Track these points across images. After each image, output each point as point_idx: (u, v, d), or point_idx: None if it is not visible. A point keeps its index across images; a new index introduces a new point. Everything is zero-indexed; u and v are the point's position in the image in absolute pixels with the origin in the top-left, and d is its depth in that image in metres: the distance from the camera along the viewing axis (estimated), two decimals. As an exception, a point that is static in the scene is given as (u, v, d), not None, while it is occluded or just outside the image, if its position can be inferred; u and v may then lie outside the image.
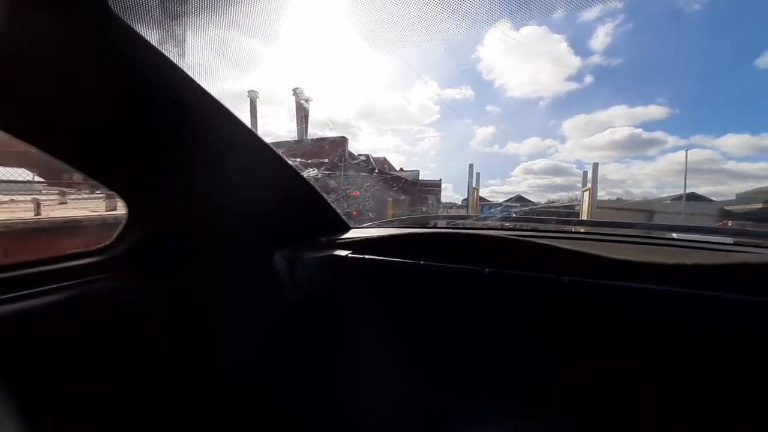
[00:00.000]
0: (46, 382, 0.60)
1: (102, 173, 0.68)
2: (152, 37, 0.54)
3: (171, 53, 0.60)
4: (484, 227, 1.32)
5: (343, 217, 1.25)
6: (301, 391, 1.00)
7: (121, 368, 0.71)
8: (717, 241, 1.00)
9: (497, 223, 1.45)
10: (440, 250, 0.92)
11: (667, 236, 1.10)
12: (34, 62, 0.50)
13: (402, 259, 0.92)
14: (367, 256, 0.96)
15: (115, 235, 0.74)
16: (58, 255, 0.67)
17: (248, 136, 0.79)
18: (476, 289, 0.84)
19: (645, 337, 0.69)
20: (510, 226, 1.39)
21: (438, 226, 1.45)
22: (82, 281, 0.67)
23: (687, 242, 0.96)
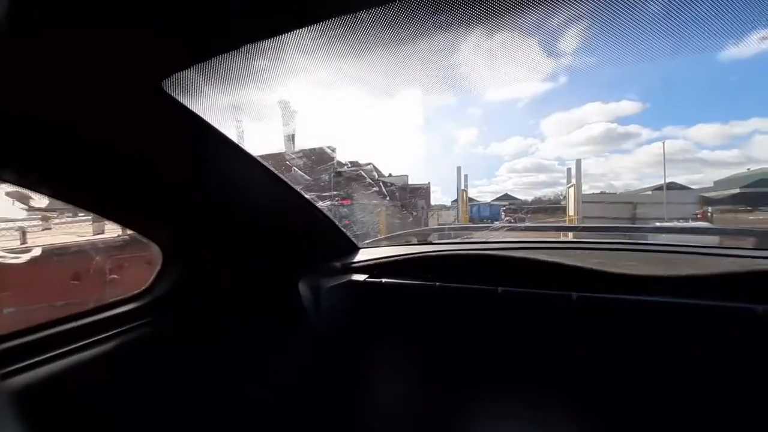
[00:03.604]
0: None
1: (142, 227, 0.74)
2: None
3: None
4: (488, 240, 1.37)
5: (351, 237, 1.28)
6: (329, 415, 1.02)
7: (168, 412, 0.73)
8: (703, 243, 1.08)
9: (500, 234, 1.49)
10: (453, 270, 0.96)
11: (658, 241, 1.17)
12: (88, 127, 0.53)
13: (417, 281, 0.96)
14: (383, 280, 0.99)
15: (150, 280, 0.77)
16: (100, 305, 0.70)
17: (267, 176, 0.82)
18: (490, 307, 0.88)
19: (645, 345, 0.75)
20: (512, 238, 1.43)
21: (441, 241, 1.49)
22: (125, 329, 0.70)
23: (677, 246, 1.03)
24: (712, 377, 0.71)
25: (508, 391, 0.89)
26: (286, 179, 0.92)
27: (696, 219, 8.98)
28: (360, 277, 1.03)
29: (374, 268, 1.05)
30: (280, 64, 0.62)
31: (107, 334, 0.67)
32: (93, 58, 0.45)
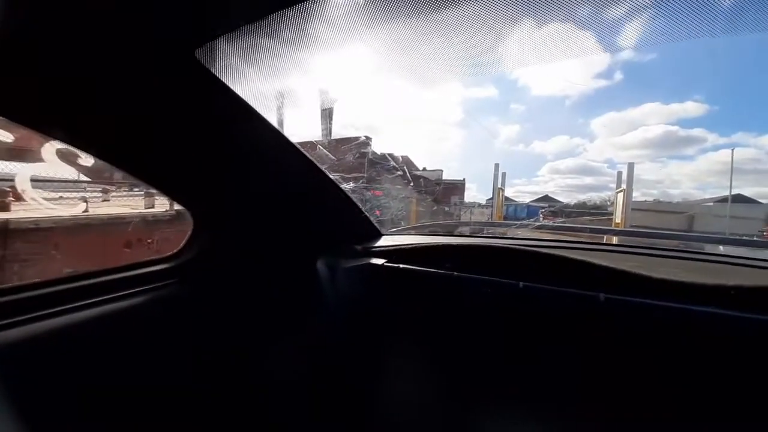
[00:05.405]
0: (131, 377, 0.69)
1: (179, 194, 0.79)
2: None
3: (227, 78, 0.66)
4: (516, 237, 1.32)
5: (375, 223, 1.29)
6: (342, 391, 1.05)
7: (187, 367, 0.79)
8: (762, 257, 0.96)
9: (529, 232, 1.44)
10: (474, 262, 0.93)
11: (710, 251, 1.06)
12: (126, 99, 0.57)
13: (436, 270, 0.95)
14: (401, 266, 0.99)
15: (181, 245, 0.83)
16: (135, 262, 0.77)
17: (296, 155, 0.84)
18: (511, 302, 0.85)
19: (680, 356, 0.70)
20: (543, 237, 1.37)
21: (469, 234, 1.46)
22: (155, 286, 0.76)
23: (730, 257, 0.93)
24: (744, 392, 0.66)
25: (518, 386, 0.86)
26: (311, 157, 0.93)
27: (762, 237, 8.05)
28: (378, 261, 1.03)
29: (394, 253, 1.05)
30: (306, 38, 0.62)
31: (137, 289, 0.73)
32: (135, 24, 0.48)
